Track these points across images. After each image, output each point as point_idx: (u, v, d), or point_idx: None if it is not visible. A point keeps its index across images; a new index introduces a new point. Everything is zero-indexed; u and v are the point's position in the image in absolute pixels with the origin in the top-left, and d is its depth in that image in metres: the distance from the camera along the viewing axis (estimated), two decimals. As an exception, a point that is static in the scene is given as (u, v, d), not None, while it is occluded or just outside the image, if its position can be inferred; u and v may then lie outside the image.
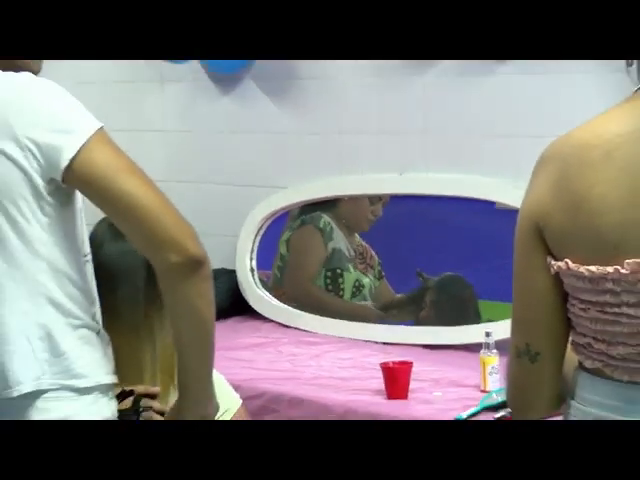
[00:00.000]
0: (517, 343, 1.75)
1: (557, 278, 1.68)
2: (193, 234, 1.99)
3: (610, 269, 1.56)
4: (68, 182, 1.97)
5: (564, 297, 1.68)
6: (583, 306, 1.65)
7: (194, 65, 4.21)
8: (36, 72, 2.12)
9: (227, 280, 4.06)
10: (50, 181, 1.97)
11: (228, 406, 2.59)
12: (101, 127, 1.97)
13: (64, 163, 1.92)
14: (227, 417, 2.62)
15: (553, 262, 1.64)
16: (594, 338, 1.66)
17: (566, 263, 1.60)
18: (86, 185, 2.00)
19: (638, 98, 1.64)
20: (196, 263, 1.98)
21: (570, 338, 1.70)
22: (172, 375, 2.37)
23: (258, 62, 4.27)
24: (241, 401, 2.64)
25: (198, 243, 1.99)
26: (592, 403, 1.69)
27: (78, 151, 1.92)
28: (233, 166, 4.15)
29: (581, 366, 1.71)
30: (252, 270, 3.95)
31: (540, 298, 1.73)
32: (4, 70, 2.05)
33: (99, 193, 2.00)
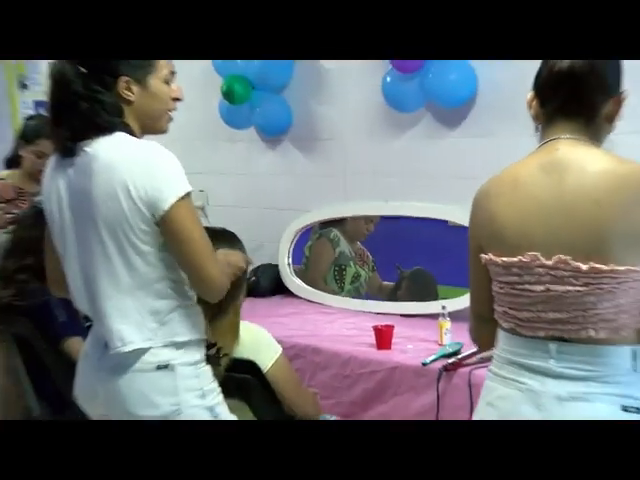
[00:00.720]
0: (474, 310, 2.01)
1: (489, 268, 1.88)
2: (220, 276, 2.19)
3: (515, 259, 1.76)
4: (159, 224, 2.08)
5: (492, 282, 1.89)
6: (500, 285, 1.84)
7: (252, 130, 4.36)
8: (164, 131, 2.26)
9: (272, 271, 4.24)
10: (154, 219, 2.07)
11: (275, 349, 2.67)
12: (188, 192, 2.08)
13: (163, 210, 2.04)
14: (275, 357, 2.65)
15: (483, 255, 1.84)
16: (508, 307, 1.83)
17: (489, 256, 1.82)
18: (168, 232, 2.09)
19: (538, 151, 1.85)
20: (207, 291, 2.19)
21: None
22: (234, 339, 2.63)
23: (293, 128, 4.27)
24: (281, 349, 2.69)
25: (222, 281, 2.21)
26: (508, 351, 1.87)
27: (172, 206, 2.04)
28: (277, 196, 4.35)
29: (501, 327, 1.89)
30: (289, 265, 4.18)
31: (483, 284, 1.91)
32: (142, 133, 2.19)
33: (173, 238, 2.10)
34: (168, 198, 2.04)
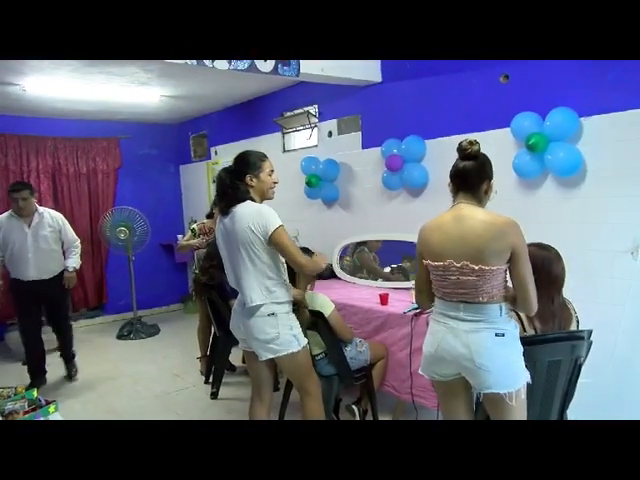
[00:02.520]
0: (418, 287, 2.00)
1: (427, 267, 1.89)
2: (304, 261, 2.19)
3: (440, 263, 1.82)
4: (270, 241, 2.17)
5: (429, 274, 1.89)
6: (433, 276, 1.87)
7: (319, 201, 4.44)
8: (271, 199, 2.30)
9: (329, 268, 4.14)
10: (265, 240, 2.17)
11: (332, 305, 2.75)
12: (281, 225, 2.14)
13: (269, 234, 2.15)
14: (332, 309, 2.74)
15: (423, 260, 1.88)
16: (439, 286, 1.86)
17: (427, 261, 1.86)
18: (275, 244, 2.17)
19: (451, 209, 1.86)
20: (302, 268, 2.24)
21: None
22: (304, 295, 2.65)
23: (339, 199, 4.28)
24: (334, 305, 2.77)
25: (307, 264, 2.21)
26: (439, 308, 1.89)
27: (272, 233, 2.15)
28: (329, 231, 4.34)
29: (436, 296, 1.90)
30: (337, 263, 4.19)
31: (423, 274, 1.92)
32: (261, 200, 2.26)
33: (279, 247, 2.18)
34: (272, 228, 2.15)
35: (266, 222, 2.14)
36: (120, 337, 5.55)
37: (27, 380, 3.88)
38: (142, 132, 6.32)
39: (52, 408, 1.87)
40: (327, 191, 4.38)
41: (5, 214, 3.82)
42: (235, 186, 2.22)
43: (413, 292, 3.03)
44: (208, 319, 4.10)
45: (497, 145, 3.10)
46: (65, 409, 1.93)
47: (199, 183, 6.34)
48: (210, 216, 4.14)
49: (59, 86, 4.22)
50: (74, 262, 3.99)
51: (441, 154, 3.50)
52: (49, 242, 3.91)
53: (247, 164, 2.26)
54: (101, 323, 6.19)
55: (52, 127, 5.67)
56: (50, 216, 3.89)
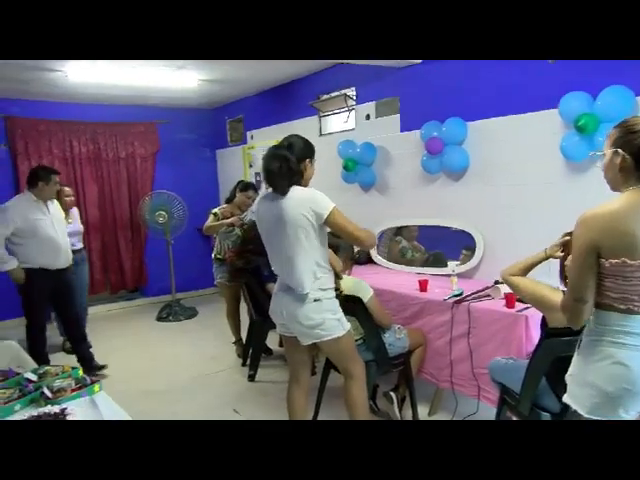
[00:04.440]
0: (579, 297, 1.40)
1: (601, 268, 1.38)
2: (366, 237, 2.19)
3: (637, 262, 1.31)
4: (325, 224, 2.15)
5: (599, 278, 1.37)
6: (617, 281, 1.37)
7: (356, 185, 4.39)
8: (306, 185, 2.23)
9: (366, 253, 4.13)
10: (319, 224, 2.15)
11: (370, 291, 2.72)
12: (334, 206, 2.13)
13: (324, 218, 2.12)
14: (370, 294, 2.71)
15: (602, 260, 1.36)
16: (627, 294, 1.36)
17: (613, 261, 1.34)
18: (331, 226, 2.17)
19: (632, 192, 1.39)
20: (365, 245, 2.24)
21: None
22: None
23: (376, 183, 4.21)
24: (372, 290, 2.74)
25: (367, 239, 2.20)
26: (617, 329, 1.40)
27: (328, 215, 2.12)
28: (365, 216, 4.12)
29: (614, 308, 1.38)
30: (375, 250, 4.08)
31: (590, 277, 1.38)
32: (305, 186, 2.21)
33: (335, 228, 2.17)
34: (326, 211, 2.13)
35: (320, 206, 2.12)
36: (159, 319, 5.65)
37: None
38: (179, 117, 6.37)
39: (97, 387, 1.90)
40: (364, 175, 4.33)
41: (21, 197, 3.57)
42: (297, 168, 2.19)
43: (453, 279, 3.12)
44: (235, 302, 4.15)
45: (543, 127, 3.00)
46: (107, 388, 1.96)
47: (235, 167, 6.35)
48: (230, 200, 4.12)
49: (99, 72, 4.27)
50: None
51: (483, 137, 3.41)
52: (64, 225, 3.86)
53: (310, 148, 2.26)
54: (139, 305, 6.32)
55: (92, 113, 5.76)
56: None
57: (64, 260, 3.74)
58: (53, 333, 4.28)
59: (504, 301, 2.66)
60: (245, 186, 4.12)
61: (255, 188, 4.18)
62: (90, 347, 3.88)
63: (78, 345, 3.82)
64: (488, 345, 2.65)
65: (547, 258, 1.98)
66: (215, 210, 4.17)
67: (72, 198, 4.45)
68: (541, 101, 2.98)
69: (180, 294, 6.02)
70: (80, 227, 4.56)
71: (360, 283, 2.72)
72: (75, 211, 4.58)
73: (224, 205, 4.25)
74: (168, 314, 5.62)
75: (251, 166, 6.00)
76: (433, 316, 3.02)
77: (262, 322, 3.61)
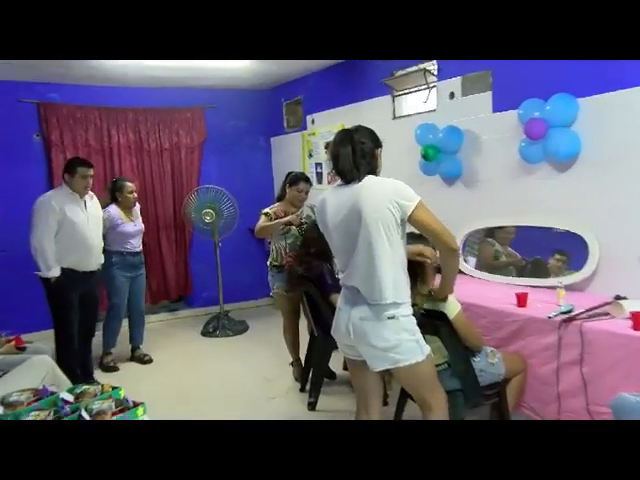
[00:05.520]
0: None
1: None
2: (452, 239, 2.22)
3: None
4: (408, 220, 2.18)
5: None
6: None
7: (437, 177, 4.34)
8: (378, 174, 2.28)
9: None
10: (402, 220, 2.17)
11: (457, 305, 2.70)
12: (420, 200, 2.16)
13: (408, 214, 2.15)
14: (458, 309, 2.68)
15: None
16: None
17: None
18: (415, 223, 2.18)
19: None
20: (452, 249, 2.20)
21: None
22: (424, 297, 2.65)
23: (463, 174, 4.18)
24: (460, 306, 2.71)
25: (454, 242, 2.22)
26: None
27: (413, 209, 2.14)
28: (450, 214, 3.80)
29: None
30: (460, 254, 3.85)
31: None
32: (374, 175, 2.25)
33: (420, 225, 2.19)
34: (412, 204, 2.15)
35: (405, 198, 2.14)
36: (205, 334, 5.77)
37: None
38: (229, 100, 6.50)
39: (140, 410, 1.94)
40: (447, 165, 4.28)
41: (58, 191, 3.82)
42: (373, 155, 2.26)
43: (560, 292, 3.02)
44: (294, 316, 4.17)
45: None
46: (150, 411, 1.98)
47: (293, 157, 6.40)
48: (281, 198, 4.17)
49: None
50: None
51: (599, 116, 3.26)
52: (101, 225, 4.08)
53: (378, 139, 2.33)
54: (183, 317, 6.49)
55: (132, 97, 5.95)
56: (92, 195, 4.01)
57: (95, 262, 3.97)
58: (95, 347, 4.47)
59: (629, 321, 2.57)
60: (294, 178, 4.16)
61: (307, 179, 4.20)
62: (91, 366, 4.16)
63: (83, 351, 4.05)
64: (608, 376, 2.55)
65: None
66: (266, 210, 4.21)
67: (135, 195, 4.73)
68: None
69: (229, 305, 6.13)
70: (142, 226, 4.84)
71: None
72: (138, 208, 4.86)
73: (275, 204, 4.29)
74: (215, 328, 5.74)
75: (311, 156, 6.04)
76: (535, 337, 2.94)
77: (325, 340, 3.60)
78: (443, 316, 2.66)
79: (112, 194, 4.66)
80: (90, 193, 3.97)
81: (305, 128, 6.18)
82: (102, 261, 4.11)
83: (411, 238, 2.52)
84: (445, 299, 2.63)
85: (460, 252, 4.05)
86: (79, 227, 3.74)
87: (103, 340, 4.73)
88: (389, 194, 2.14)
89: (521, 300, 3.09)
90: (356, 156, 2.20)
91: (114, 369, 4.62)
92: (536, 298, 3.14)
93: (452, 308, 2.67)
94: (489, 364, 2.84)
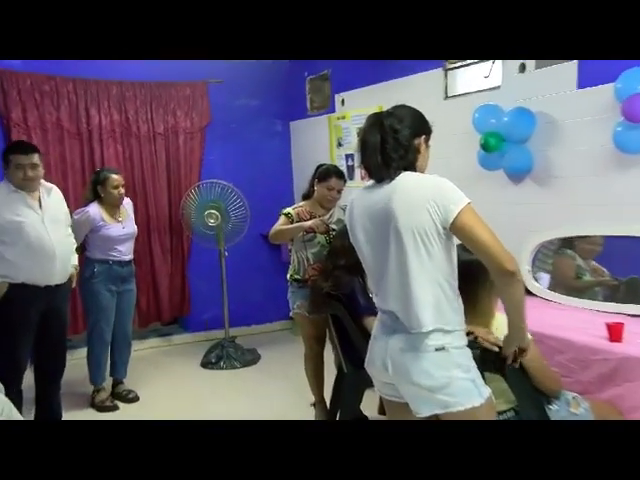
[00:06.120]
0: None
1: None
2: (509, 258, 2.10)
3: None
4: (451, 229, 2.13)
5: None
6: None
7: (500, 172, 4.30)
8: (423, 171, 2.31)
9: None
10: (444, 227, 2.14)
11: (528, 335, 2.46)
12: (468, 202, 2.12)
13: (451, 219, 2.10)
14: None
15: None
16: None
17: None
18: (459, 232, 2.14)
19: None
20: (510, 273, 2.10)
21: None
22: (489, 324, 2.58)
23: (533, 168, 4.15)
24: (531, 337, 2.51)
25: (511, 263, 2.09)
26: None
27: (458, 214, 2.10)
28: (515, 219, 4.21)
29: None
30: (529, 270, 4.00)
31: None
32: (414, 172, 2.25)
33: (464, 235, 2.14)
34: (457, 208, 2.11)
35: (450, 200, 2.11)
36: (206, 365, 5.73)
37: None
38: (238, 74, 6.36)
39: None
40: (514, 157, 4.19)
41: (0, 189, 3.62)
42: (410, 146, 2.23)
43: None
44: (318, 345, 4.16)
45: None
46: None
47: (317, 146, 6.36)
48: (307, 196, 4.21)
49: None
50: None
51: None
52: (66, 227, 3.92)
53: (425, 123, 2.32)
54: (179, 344, 6.46)
55: (118, 67, 5.45)
56: (52, 188, 3.86)
57: (60, 273, 3.79)
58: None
59: None
60: (324, 173, 4.13)
61: (340, 174, 4.16)
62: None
63: (49, 392, 3.94)
64: None
65: None
66: (288, 210, 4.20)
67: (121, 190, 4.64)
68: None
69: (236, 330, 6.10)
70: (135, 229, 4.79)
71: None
72: (129, 206, 4.80)
73: (300, 203, 4.28)
74: (218, 358, 5.70)
75: (340, 145, 6.00)
76: (635, 384, 2.84)
77: (356, 376, 3.54)
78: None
79: (94, 189, 4.60)
80: (47, 185, 3.80)
81: (333, 110, 6.15)
82: (72, 269, 3.97)
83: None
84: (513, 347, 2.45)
85: (529, 269, 4.04)
86: (30, 229, 3.57)
87: (89, 374, 4.70)
88: (428, 194, 2.12)
89: (614, 332, 3.00)
90: (386, 148, 2.20)
91: (112, 408, 4.60)
92: (635, 331, 3.06)
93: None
94: (571, 414, 2.72)
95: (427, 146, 2.31)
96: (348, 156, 5.89)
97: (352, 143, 5.72)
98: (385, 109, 2.35)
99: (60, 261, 3.76)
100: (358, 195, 2.34)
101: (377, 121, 2.23)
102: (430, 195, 2.12)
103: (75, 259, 4.08)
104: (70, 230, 4.04)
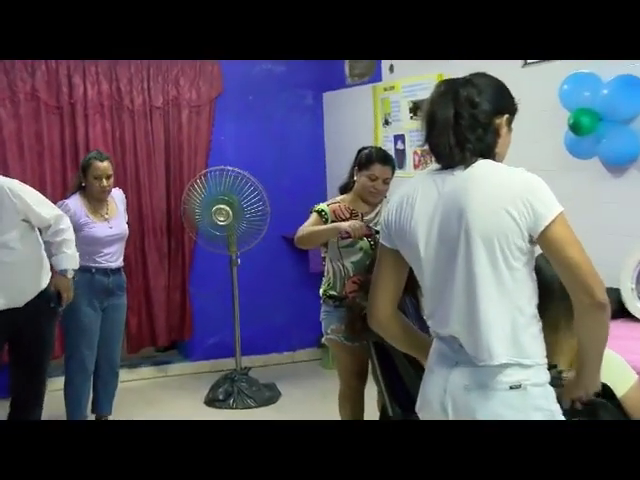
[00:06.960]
0: None
1: None
2: (601, 286, 2.10)
3: None
4: (538, 239, 2.13)
5: None
6: None
7: (595, 160, 4.34)
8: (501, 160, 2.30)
9: (613, 295, 3.74)
10: (531, 236, 2.13)
11: (631, 375, 2.61)
12: (562, 211, 2.10)
13: (542, 227, 2.10)
14: (632, 383, 2.56)
15: None
16: None
17: None
18: (550, 245, 2.15)
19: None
20: (599, 305, 2.10)
21: None
22: (571, 361, 2.54)
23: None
24: (636, 377, 2.59)
25: (603, 292, 2.10)
26: None
27: (552, 221, 2.09)
28: (620, 223, 4.22)
29: None
30: (632, 289, 3.95)
31: None
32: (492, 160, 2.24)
33: (554, 249, 2.14)
34: (550, 215, 2.10)
35: (542, 203, 2.10)
36: (211, 402, 5.79)
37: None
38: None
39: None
40: (614, 141, 4.21)
41: None
42: (490, 125, 2.23)
43: None
44: (359, 381, 4.19)
45: None
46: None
47: (358, 125, 6.42)
48: (346, 189, 4.28)
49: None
50: (68, 258, 3.98)
51: None
52: (14, 243, 3.83)
53: (508, 97, 2.33)
54: (178, 375, 6.53)
55: None
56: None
57: (21, 292, 3.90)
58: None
59: None
60: (366, 158, 4.16)
61: (387, 159, 4.19)
62: None
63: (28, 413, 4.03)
64: None
65: None
66: (321, 206, 4.25)
67: (106, 182, 4.69)
68: None
69: (250, 358, 6.18)
70: (125, 229, 4.87)
71: (612, 359, 2.58)
72: (119, 199, 4.89)
73: (337, 198, 4.34)
74: (227, 395, 5.75)
75: (388, 123, 6.05)
76: None
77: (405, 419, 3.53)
78: (606, 391, 2.55)
79: (79, 178, 4.74)
80: None
81: (379, 79, 6.21)
82: (40, 287, 4.02)
83: None
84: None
85: (632, 287, 4.04)
86: None
87: (66, 409, 4.75)
88: (515, 192, 2.11)
89: None
90: (461, 125, 2.17)
91: None
92: None
93: (622, 379, 2.59)
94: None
95: (509, 129, 2.31)
96: (397, 137, 5.92)
97: (403, 122, 5.81)
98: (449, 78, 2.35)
99: (21, 276, 3.89)
100: (415, 185, 2.31)
101: (451, 90, 2.21)
102: (518, 193, 2.12)
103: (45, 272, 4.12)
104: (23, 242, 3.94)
